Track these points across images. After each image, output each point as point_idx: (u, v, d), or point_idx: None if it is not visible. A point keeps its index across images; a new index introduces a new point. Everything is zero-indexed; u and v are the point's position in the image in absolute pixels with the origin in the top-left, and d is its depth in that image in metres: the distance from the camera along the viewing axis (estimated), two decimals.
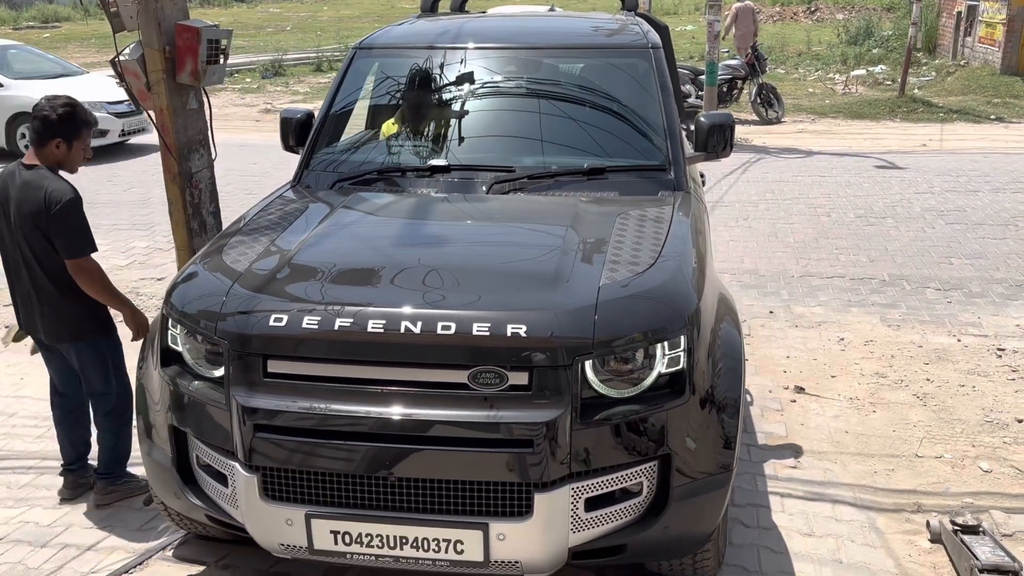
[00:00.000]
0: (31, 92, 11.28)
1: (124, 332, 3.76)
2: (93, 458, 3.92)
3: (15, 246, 3.53)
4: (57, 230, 3.41)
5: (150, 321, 3.47)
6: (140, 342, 3.54)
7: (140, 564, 3.41)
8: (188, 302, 2.91)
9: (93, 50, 24.35)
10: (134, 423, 3.74)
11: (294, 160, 4.11)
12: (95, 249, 3.53)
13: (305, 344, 2.65)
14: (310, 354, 2.66)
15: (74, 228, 3.44)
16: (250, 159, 11.28)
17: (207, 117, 4.76)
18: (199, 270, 3.09)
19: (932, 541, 3.49)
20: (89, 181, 10.25)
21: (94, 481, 3.83)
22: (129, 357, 3.72)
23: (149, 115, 4.66)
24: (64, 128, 3.49)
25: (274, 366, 2.68)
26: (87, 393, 3.78)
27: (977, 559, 3.13)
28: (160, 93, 4.42)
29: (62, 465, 3.89)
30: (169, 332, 2.96)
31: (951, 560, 3.35)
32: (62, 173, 3.59)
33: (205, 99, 4.74)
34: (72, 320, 3.58)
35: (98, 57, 21.93)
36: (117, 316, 3.74)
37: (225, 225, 4.77)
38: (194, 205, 4.62)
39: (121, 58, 4.50)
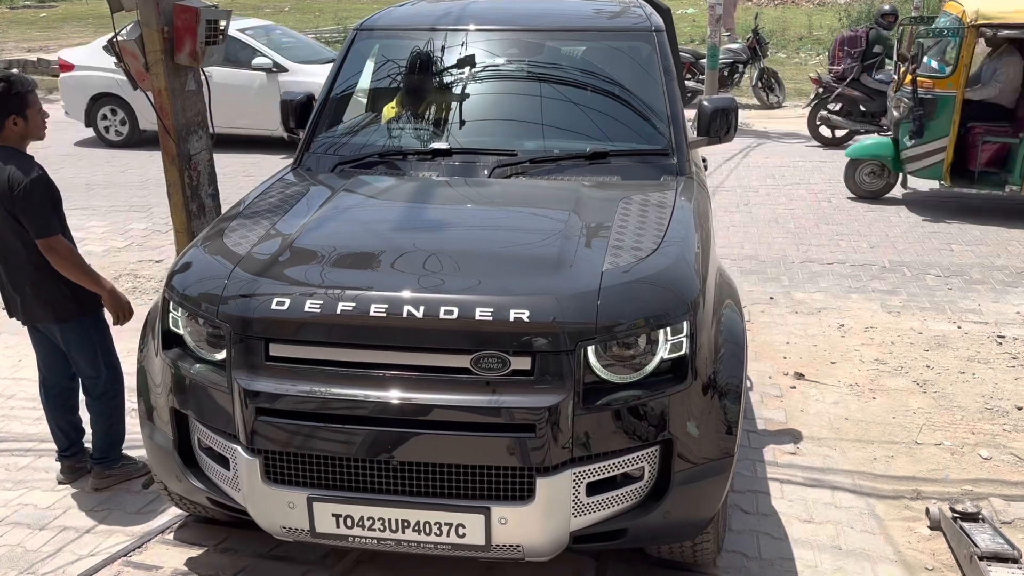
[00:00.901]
0: (315, 77, 9.88)
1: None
2: (89, 441, 3.91)
3: None
4: (23, 210, 3.37)
5: (153, 304, 3.43)
6: (135, 325, 3.51)
7: (139, 547, 3.40)
8: (189, 285, 2.90)
9: (91, 30, 24.15)
10: (132, 405, 3.73)
11: (293, 143, 4.08)
12: (64, 228, 3.49)
13: (307, 328, 2.65)
14: (312, 338, 2.66)
15: (39, 207, 3.38)
16: (248, 141, 11.21)
17: (206, 98, 4.72)
18: (200, 253, 3.07)
19: (931, 528, 3.49)
20: (88, 164, 10.23)
21: (91, 466, 3.82)
22: (126, 339, 3.71)
23: (148, 96, 4.62)
24: (12, 103, 3.43)
25: (276, 350, 2.67)
26: (78, 376, 3.77)
27: (976, 546, 3.13)
28: (158, 74, 4.38)
29: (57, 451, 3.88)
30: (170, 315, 2.94)
31: (950, 547, 3.35)
32: (34, 148, 3.53)
33: (204, 80, 4.71)
34: (54, 301, 3.54)
35: (95, 37, 21.77)
36: None
37: (224, 208, 4.75)
38: (192, 187, 4.58)
39: (119, 38, 4.45)
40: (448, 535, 2.60)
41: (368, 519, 2.63)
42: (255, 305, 2.69)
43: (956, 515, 3.38)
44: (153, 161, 9.65)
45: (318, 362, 2.65)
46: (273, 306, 2.67)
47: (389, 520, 2.62)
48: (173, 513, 3.59)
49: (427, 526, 2.60)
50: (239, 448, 2.70)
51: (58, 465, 3.89)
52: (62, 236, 3.46)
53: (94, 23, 25.38)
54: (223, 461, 2.82)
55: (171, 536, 3.47)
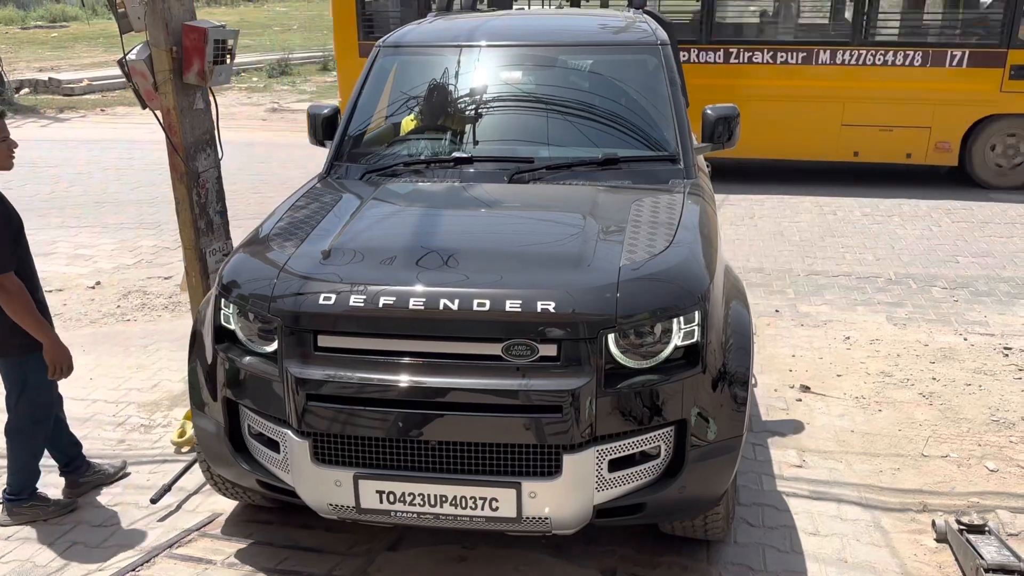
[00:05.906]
0: None
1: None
2: (94, 456, 3.93)
3: None
4: None
5: (200, 305, 3.40)
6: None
7: (147, 562, 3.42)
8: (241, 284, 3.09)
9: (100, 50, 24.42)
10: (141, 421, 3.74)
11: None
12: (13, 267, 3.34)
13: (353, 320, 2.86)
14: (357, 329, 2.87)
15: None
16: (257, 158, 11.31)
17: (214, 117, 4.77)
18: (247, 256, 3.27)
19: (938, 541, 3.48)
20: (98, 182, 10.32)
21: (91, 473, 3.88)
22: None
23: (156, 115, 4.68)
24: None
25: (324, 340, 2.89)
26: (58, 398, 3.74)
27: (983, 559, 3.13)
28: (167, 93, 4.43)
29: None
30: (221, 312, 3.13)
31: (956, 560, 3.35)
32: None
33: (212, 99, 4.76)
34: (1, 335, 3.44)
35: (105, 57, 22.00)
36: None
37: (232, 225, 4.83)
38: (201, 205, 4.62)
39: (129, 58, 4.51)
40: (483, 509, 2.80)
41: (409, 495, 2.82)
42: (304, 301, 2.91)
43: (962, 527, 3.37)
44: (162, 179, 9.75)
45: (363, 351, 2.87)
46: (321, 301, 2.88)
47: (428, 495, 2.82)
48: (180, 528, 3.62)
49: (463, 500, 2.80)
50: (289, 432, 2.90)
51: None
52: (13, 275, 3.33)
53: (104, 43, 25.64)
54: (273, 445, 3.02)
55: (179, 551, 3.49)
